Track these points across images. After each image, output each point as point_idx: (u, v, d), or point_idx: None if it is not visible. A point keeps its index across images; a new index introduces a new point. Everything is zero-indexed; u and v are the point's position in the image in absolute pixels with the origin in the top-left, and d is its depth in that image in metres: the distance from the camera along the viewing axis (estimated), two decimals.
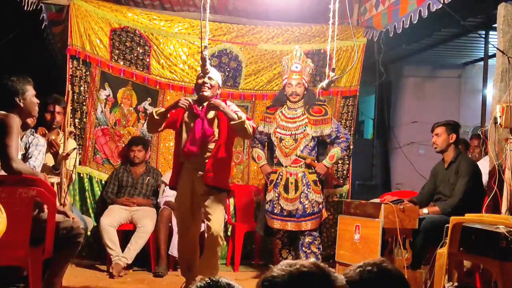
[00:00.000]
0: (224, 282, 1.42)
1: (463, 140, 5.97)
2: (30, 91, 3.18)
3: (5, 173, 3.01)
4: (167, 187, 4.71)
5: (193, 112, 3.82)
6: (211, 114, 3.83)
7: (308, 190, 4.40)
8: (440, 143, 4.39)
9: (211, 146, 3.80)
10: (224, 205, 3.99)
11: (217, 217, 3.79)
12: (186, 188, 3.86)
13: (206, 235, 3.92)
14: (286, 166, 4.46)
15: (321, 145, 4.58)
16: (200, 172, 3.80)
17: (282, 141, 4.49)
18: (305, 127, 4.45)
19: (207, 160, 3.78)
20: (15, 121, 2.98)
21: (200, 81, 3.85)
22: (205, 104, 3.83)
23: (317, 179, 4.45)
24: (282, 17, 5.73)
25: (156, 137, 5.46)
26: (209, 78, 3.83)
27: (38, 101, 3.28)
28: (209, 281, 1.42)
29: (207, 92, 3.83)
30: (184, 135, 3.84)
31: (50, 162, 4.09)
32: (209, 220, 3.79)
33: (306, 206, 4.39)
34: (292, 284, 1.29)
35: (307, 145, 4.45)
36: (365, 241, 4.00)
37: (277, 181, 4.47)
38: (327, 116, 4.48)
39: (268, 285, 1.30)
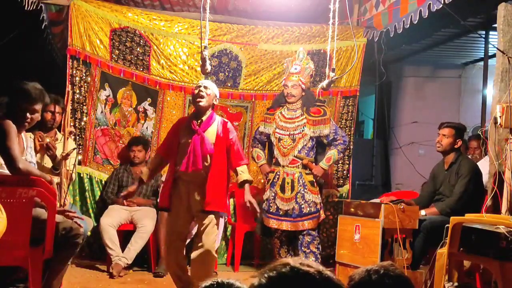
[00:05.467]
0: (231, 284, 1.42)
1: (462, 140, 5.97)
2: (38, 106, 3.16)
3: (7, 173, 3.01)
4: None
5: (190, 129, 3.73)
6: (210, 129, 3.74)
7: (305, 190, 4.41)
8: (445, 144, 4.37)
9: (208, 163, 3.71)
10: (221, 223, 3.93)
11: (211, 233, 3.67)
12: (182, 205, 3.74)
13: (195, 249, 3.73)
14: (283, 166, 4.47)
15: (320, 145, 4.59)
16: (197, 195, 3.70)
17: (281, 141, 4.50)
18: (303, 128, 4.46)
19: (206, 179, 3.67)
20: (11, 125, 2.99)
21: (195, 91, 3.75)
22: (203, 118, 3.75)
23: (314, 180, 4.46)
24: (282, 17, 5.73)
25: (156, 138, 5.46)
26: (205, 87, 3.73)
27: (39, 118, 3.25)
28: (214, 282, 1.42)
29: (202, 103, 3.70)
30: (181, 153, 3.71)
31: (49, 163, 4.10)
32: (202, 234, 3.67)
33: (303, 206, 4.39)
34: None
35: (305, 145, 4.46)
36: (365, 241, 4.00)
37: (274, 180, 4.49)
38: (326, 117, 4.49)
39: None
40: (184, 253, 3.87)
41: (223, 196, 3.79)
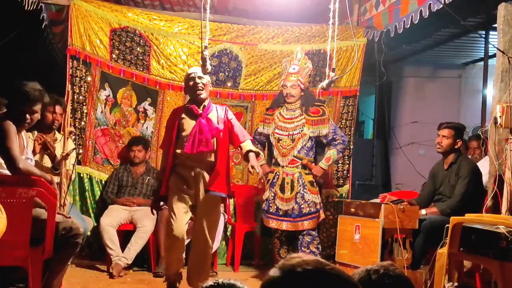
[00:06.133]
0: (232, 285, 1.42)
1: (462, 140, 5.96)
2: (38, 106, 3.15)
3: (7, 173, 3.01)
4: None
5: (192, 113, 3.74)
6: (212, 114, 3.78)
7: (304, 190, 4.41)
8: (445, 145, 4.38)
9: (215, 146, 3.72)
10: (219, 209, 3.83)
11: (213, 223, 3.67)
12: (184, 190, 3.70)
13: (195, 229, 3.74)
14: (283, 166, 4.47)
15: (320, 145, 4.59)
16: (203, 178, 3.68)
17: (280, 141, 4.50)
18: (302, 128, 4.46)
19: (211, 161, 3.69)
20: (11, 125, 2.99)
21: (191, 83, 3.75)
22: (205, 103, 3.78)
23: (313, 180, 4.45)
24: (282, 17, 5.73)
25: (156, 137, 5.46)
26: (199, 78, 3.73)
27: (39, 118, 3.24)
28: (215, 283, 1.42)
29: (203, 94, 3.74)
30: (185, 137, 3.69)
31: (48, 163, 4.10)
32: (204, 222, 3.65)
33: (302, 206, 4.39)
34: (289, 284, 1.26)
35: (304, 145, 4.46)
36: (365, 241, 4.00)
37: (274, 180, 4.49)
38: (325, 117, 4.49)
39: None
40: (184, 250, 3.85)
41: (227, 179, 3.77)
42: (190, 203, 3.74)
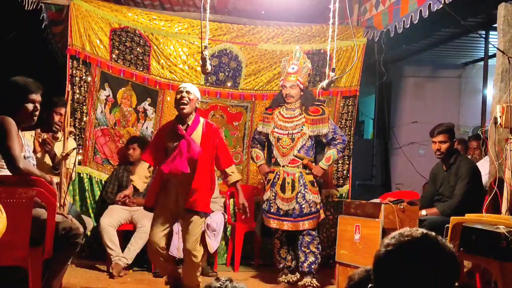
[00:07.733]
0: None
1: (462, 140, 5.97)
2: (37, 98, 3.14)
3: (8, 173, 3.01)
4: None
5: (176, 133, 3.75)
6: (196, 133, 3.78)
7: (305, 190, 4.41)
8: (445, 150, 4.38)
9: (194, 165, 3.73)
10: (202, 224, 3.84)
11: (192, 234, 3.71)
12: (169, 204, 3.80)
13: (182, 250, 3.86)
14: (283, 166, 4.47)
15: (319, 144, 4.58)
16: (184, 196, 3.76)
17: (280, 141, 4.49)
18: (302, 127, 4.45)
19: (192, 179, 3.71)
20: (12, 123, 2.97)
21: (178, 96, 3.77)
22: (189, 122, 3.78)
23: (314, 180, 4.45)
24: (282, 17, 5.73)
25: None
26: (187, 92, 3.74)
27: (38, 109, 3.21)
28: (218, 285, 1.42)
29: (186, 110, 3.74)
30: (168, 156, 3.77)
31: (49, 162, 4.10)
32: (185, 234, 3.73)
33: (303, 206, 4.39)
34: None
35: (304, 144, 4.46)
36: (365, 241, 4.00)
37: (274, 180, 4.48)
38: (324, 116, 4.48)
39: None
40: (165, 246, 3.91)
41: (207, 197, 3.82)
42: (171, 220, 3.86)
